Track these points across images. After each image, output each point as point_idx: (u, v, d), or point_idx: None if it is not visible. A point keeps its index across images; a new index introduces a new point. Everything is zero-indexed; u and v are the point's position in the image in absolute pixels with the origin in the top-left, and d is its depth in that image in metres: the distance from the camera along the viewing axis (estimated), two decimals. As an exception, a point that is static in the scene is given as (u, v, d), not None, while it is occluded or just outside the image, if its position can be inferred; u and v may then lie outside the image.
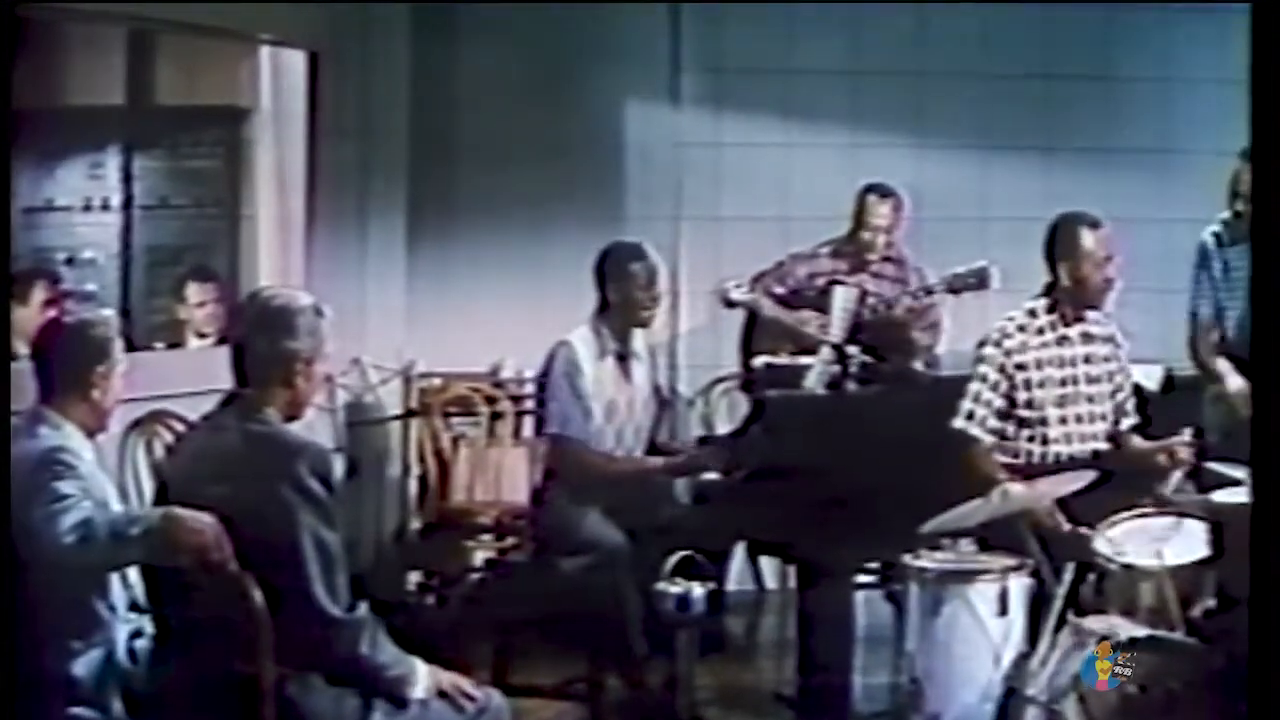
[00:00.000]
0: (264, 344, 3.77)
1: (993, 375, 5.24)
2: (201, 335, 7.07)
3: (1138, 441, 5.32)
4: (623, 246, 5.79)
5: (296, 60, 7.11)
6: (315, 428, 6.64)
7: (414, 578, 7.09)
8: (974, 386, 5.25)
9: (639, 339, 5.83)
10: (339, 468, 6.82)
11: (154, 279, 7.64)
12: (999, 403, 5.24)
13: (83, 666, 3.82)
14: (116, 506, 3.96)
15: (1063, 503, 4.87)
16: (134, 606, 3.96)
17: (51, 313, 5.94)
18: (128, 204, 7.71)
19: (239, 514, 3.62)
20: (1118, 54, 7.71)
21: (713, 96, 7.62)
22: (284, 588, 3.59)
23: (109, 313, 4.16)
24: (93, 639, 3.85)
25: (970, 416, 5.24)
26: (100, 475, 3.98)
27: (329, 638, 3.64)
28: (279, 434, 3.76)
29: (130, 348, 4.27)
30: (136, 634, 3.92)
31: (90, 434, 4.01)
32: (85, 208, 7.69)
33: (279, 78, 7.22)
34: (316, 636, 3.63)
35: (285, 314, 3.81)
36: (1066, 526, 4.85)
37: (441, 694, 3.76)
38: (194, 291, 7.14)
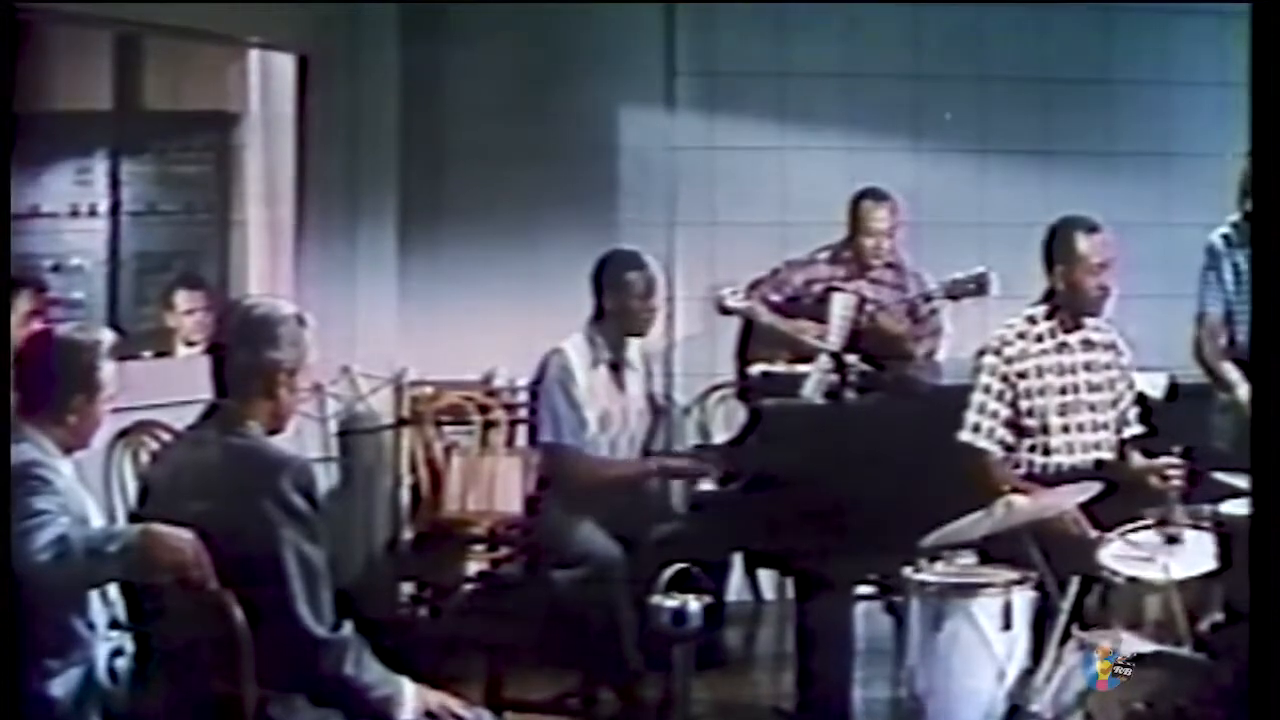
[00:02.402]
0: (245, 355, 3.69)
1: (995, 385, 5.16)
2: (190, 343, 6.98)
3: (1136, 458, 5.23)
4: (621, 255, 5.76)
5: (285, 64, 7.05)
6: (305, 438, 6.61)
7: (407, 589, 7.02)
8: (977, 397, 5.16)
9: (634, 348, 5.78)
10: (322, 482, 6.76)
11: (142, 286, 7.55)
12: (1004, 412, 5.15)
13: (61, 686, 3.72)
14: (96, 522, 3.86)
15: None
16: (115, 624, 3.86)
17: (36, 324, 5.84)
18: (115, 210, 7.62)
19: (220, 529, 3.54)
20: (1117, 56, 7.67)
21: (707, 100, 7.56)
22: (266, 606, 3.51)
23: (102, 335, 4.01)
24: (71, 658, 3.75)
25: (977, 429, 5.14)
26: (79, 490, 3.88)
27: (312, 657, 3.55)
28: (261, 447, 3.68)
29: (118, 358, 4.16)
30: (117, 653, 3.83)
31: (69, 450, 3.91)
32: (72, 214, 7.59)
33: (268, 82, 7.15)
34: (299, 656, 3.54)
35: (267, 324, 3.72)
36: (1093, 534, 4.75)
37: (429, 715, 3.67)
38: (183, 299, 7.07)
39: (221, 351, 3.74)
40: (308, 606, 3.52)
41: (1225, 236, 5.91)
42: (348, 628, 3.61)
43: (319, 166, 7.01)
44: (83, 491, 3.90)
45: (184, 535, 3.51)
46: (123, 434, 5.74)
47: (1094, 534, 4.74)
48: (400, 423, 7.13)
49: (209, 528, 3.52)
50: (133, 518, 3.83)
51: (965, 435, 5.15)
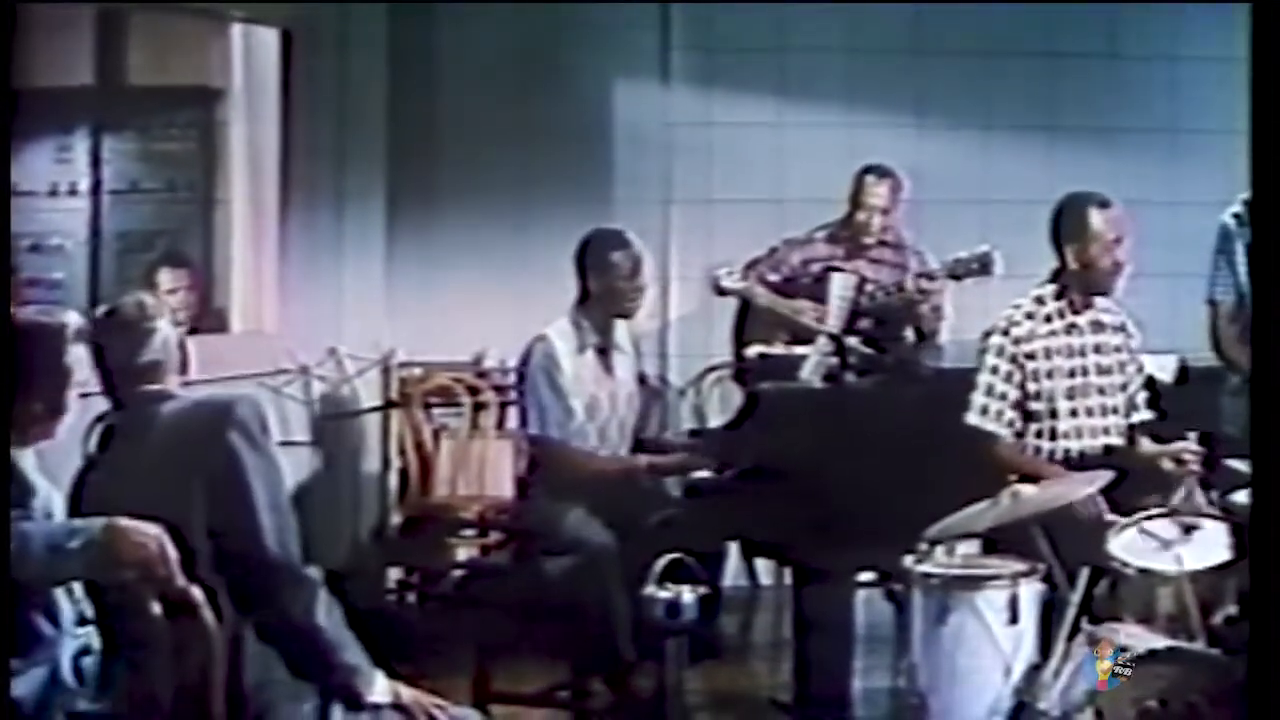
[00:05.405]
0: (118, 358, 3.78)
1: (1003, 366, 5.01)
2: (174, 323, 6.85)
3: (1146, 444, 5.10)
4: (604, 234, 5.61)
5: (270, 39, 6.94)
6: (291, 420, 6.50)
7: (394, 575, 6.94)
8: (984, 379, 5.02)
9: (622, 330, 5.65)
10: (308, 465, 6.67)
11: (124, 266, 7.43)
12: (1013, 394, 5.01)
13: (23, 687, 3.57)
14: (61, 516, 3.71)
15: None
16: (82, 620, 3.71)
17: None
18: (96, 188, 7.50)
19: (186, 484, 3.51)
20: (1123, 31, 7.62)
21: (704, 75, 7.50)
22: (237, 535, 3.48)
23: (68, 318, 3.86)
24: (34, 657, 3.60)
25: (984, 411, 5.01)
26: (41, 482, 3.72)
27: (285, 594, 3.50)
28: (204, 396, 3.73)
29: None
30: (84, 651, 3.67)
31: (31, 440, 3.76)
32: (52, 193, 7.48)
33: (252, 57, 7.07)
34: (270, 592, 3.49)
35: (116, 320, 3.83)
36: (1109, 515, 4.61)
37: (401, 707, 3.55)
38: (166, 278, 6.96)
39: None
40: (277, 544, 3.49)
41: (1237, 215, 5.77)
42: (315, 570, 3.56)
43: (305, 143, 6.92)
44: (46, 483, 3.75)
45: (150, 530, 3.36)
46: (101, 419, 5.59)
47: (1109, 516, 4.60)
48: (388, 405, 7.05)
49: (180, 491, 3.50)
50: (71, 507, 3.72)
51: (973, 418, 5.01)
